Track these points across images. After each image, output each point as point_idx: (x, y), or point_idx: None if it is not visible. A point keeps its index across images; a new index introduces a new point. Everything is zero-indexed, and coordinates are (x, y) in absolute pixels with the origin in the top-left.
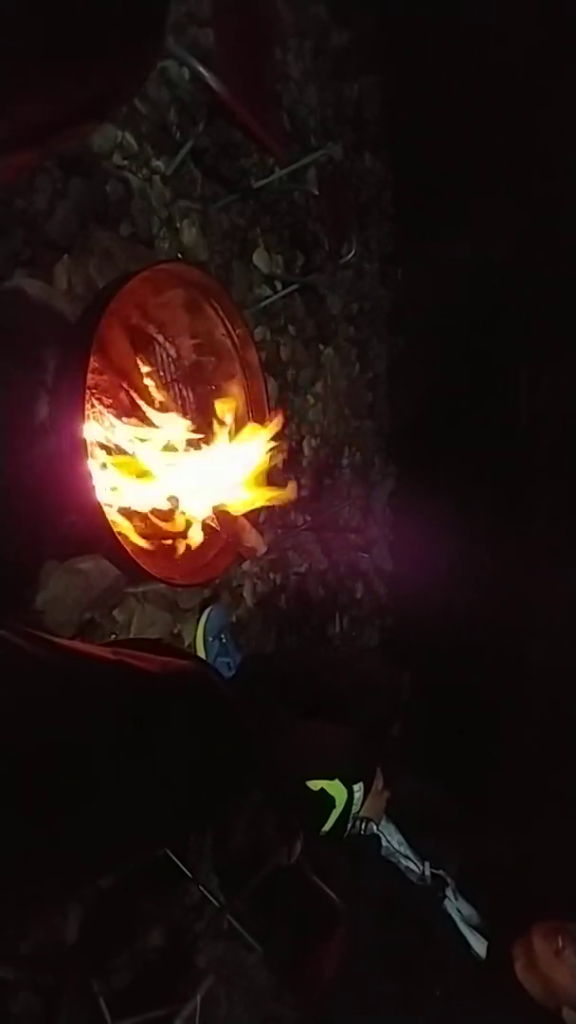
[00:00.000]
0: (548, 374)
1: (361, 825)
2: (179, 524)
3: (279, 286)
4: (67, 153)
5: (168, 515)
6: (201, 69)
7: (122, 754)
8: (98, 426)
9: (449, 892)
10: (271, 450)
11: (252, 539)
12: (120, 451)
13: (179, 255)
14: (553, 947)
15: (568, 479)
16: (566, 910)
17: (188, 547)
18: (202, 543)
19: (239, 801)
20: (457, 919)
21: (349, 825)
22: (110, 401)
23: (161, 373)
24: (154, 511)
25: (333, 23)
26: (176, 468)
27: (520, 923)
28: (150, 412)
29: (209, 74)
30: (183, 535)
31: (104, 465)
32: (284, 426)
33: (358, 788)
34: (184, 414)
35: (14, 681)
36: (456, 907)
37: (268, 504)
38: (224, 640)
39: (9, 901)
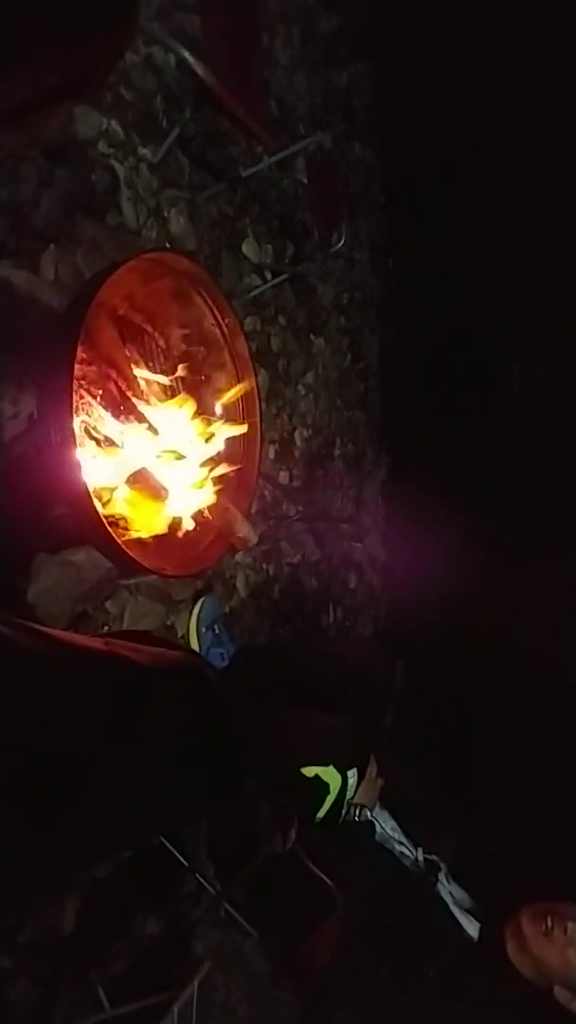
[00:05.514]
0: (540, 364)
1: (355, 811)
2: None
3: (269, 276)
4: (52, 142)
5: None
6: (187, 56)
7: (114, 744)
8: (87, 417)
9: (442, 876)
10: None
11: (244, 529)
12: (110, 443)
13: (167, 244)
14: (541, 928)
15: (559, 467)
16: (554, 891)
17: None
18: (194, 533)
19: (233, 789)
20: (450, 902)
21: (343, 811)
22: (99, 392)
23: (150, 364)
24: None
25: (322, 9)
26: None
27: (511, 905)
28: (139, 404)
29: (195, 61)
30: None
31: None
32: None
33: (352, 775)
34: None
35: (5, 672)
36: (449, 891)
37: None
38: (217, 631)
39: (6, 891)
